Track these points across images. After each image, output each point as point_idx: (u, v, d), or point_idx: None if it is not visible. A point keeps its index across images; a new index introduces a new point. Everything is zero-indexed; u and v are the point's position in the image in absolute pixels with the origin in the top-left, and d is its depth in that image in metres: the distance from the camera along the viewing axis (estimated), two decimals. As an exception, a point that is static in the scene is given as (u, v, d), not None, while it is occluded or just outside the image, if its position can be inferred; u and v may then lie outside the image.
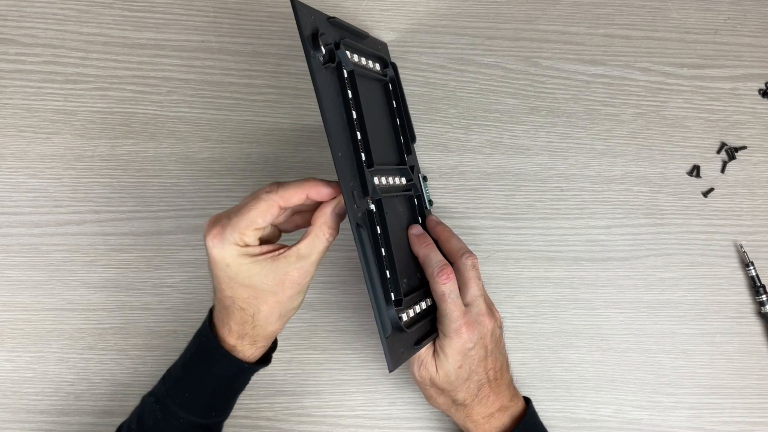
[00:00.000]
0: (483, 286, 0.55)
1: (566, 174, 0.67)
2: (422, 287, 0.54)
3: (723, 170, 0.68)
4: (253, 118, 0.65)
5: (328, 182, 0.48)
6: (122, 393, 0.62)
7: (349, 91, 0.51)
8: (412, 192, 0.58)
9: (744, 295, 0.66)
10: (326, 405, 0.63)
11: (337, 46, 0.51)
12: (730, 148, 0.68)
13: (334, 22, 0.53)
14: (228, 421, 0.61)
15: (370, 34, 0.63)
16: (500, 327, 0.55)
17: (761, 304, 0.65)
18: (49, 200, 0.64)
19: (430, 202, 0.62)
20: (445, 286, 0.52)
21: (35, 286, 0.63)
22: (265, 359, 0.54)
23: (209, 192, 0.65)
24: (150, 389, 0.54)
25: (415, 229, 0.56)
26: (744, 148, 0.68)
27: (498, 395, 0.54)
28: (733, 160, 0.68)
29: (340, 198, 0.48)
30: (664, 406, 0.64)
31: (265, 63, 0.66)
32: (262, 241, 0.49)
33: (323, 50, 0.49)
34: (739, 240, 0.67)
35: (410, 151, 0.61)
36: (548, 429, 0.57)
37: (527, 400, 0.57)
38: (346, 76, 0.51)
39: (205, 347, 0.52)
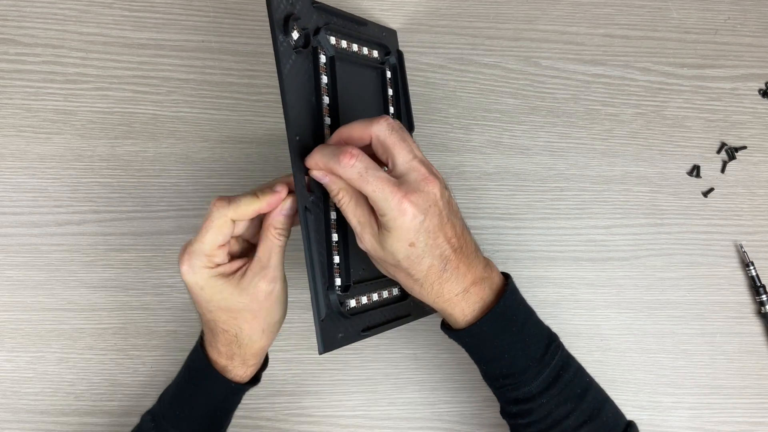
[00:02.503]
0: (416, 147, 0.46)
1: (566, 174, 0.67)
2: (384, 277, 0.53)
3: (723, 170, 0.68)
4: (253, 118, 0.65)
5: (277, 187, 0.47)
6: (122, 393, 0.62)
7: (325, 77, 0.51)
8: None
9: (744, 295, 0.66)
10: (326, 405, 0.63)
11: (317, 31, 0.51)
12: (730, 148, 0.68)
13: (320, 7, 0.53)
14: (228, 421, 0.61)
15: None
16: (447, 187, 0.47)
17: (761, 304, 0.65)
18: (49, 200, 0.64)
19: None
20: (354, 166, 0.43)
21: (35, 286, 0.63)
22: (254, 379, 0.54)
23: (209, 192, 0.65)
24: (150, 406, 0.54)
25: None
26: (744, 148, 0.68)
27: (470, 266, 0.47)
28: (733, 160, 0.68)
29: (289, 198, 0.47)
30: (664, 406, 0.64)
31: (265, 63, 0.66)
32: (235, 256, 0.49)
33: (295, 35, 0.49)
34: (739, 240, 0.67)
35: None
36: None
37: (505, 275, 0.51)
38: (324, 61, 0.51)
39: (196, 367, 0.52)
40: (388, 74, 0.60)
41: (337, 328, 0.49)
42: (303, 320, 0.63)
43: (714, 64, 0.69)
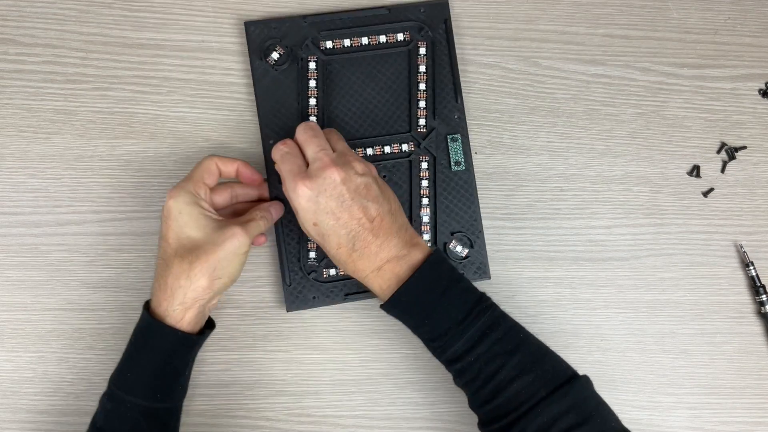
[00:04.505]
0: (326, 143, 0.54)
1: (566, 174, 0.67)
2: None
3: (723, 170, 0.68)
4: (253, 118, 0.65)
5: (256, 172, 0.59)
6: (122, 393, 0.62)
7: (313, 81, 0.62)
8: (411, 157, 0.63)
9: (744, 295, 0.66)
10: (326, 405, 0.63)
11: (304, 43, 0.62)
12: (730, 148, 0.68)
13: (313, 21, 0.62)
14: (228, 421, 0.61)
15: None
16: (363, 174, 0.52)
17: (761, 304, 0.65)
18: (49, 200, 0.64)
19: (457, 163, 0.63)
20: (280, 150, 0.54)
21: (35, 286, 0.63)
22: (200, 332, 0.55)
23: (209, 192, 0.64)
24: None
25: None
26: (744, 148, 0.68)
27: (382, 246, 0.51)
28: (733, 160, 0.68)
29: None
30: (664, 406, 0.64)
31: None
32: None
33: (275, 56, 0.62)
34: (739, 240, 0.67)
35: (434, 116, 0.63)
36: None
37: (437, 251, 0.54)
38: (314, 68, 0.62)
39: (141, 327, 0.54)
40: (422, 51, 0.63)
41: (309, 291, 0.61)
42: (303, 320, 0.63)
43: (714, 64, 0.69)
